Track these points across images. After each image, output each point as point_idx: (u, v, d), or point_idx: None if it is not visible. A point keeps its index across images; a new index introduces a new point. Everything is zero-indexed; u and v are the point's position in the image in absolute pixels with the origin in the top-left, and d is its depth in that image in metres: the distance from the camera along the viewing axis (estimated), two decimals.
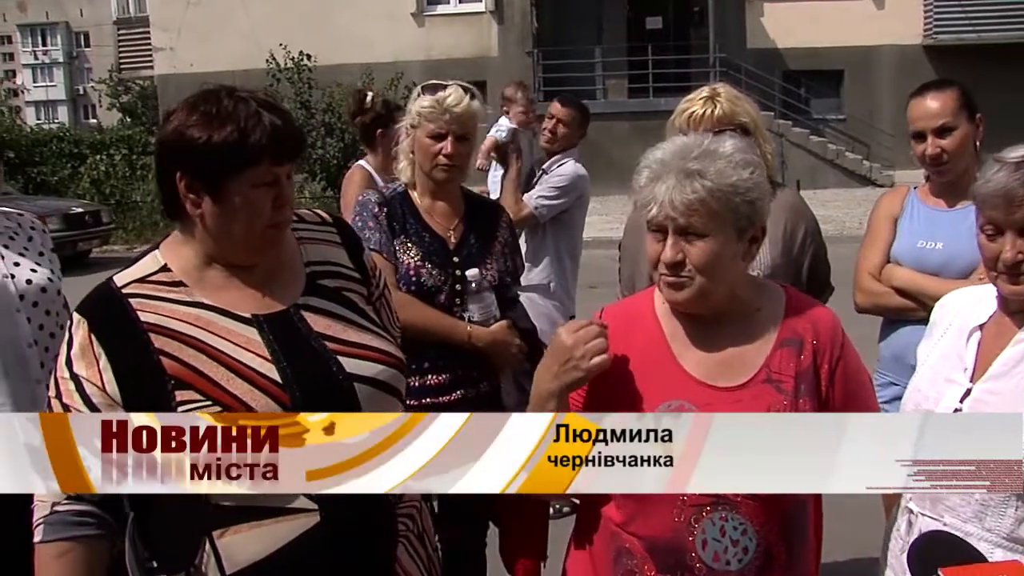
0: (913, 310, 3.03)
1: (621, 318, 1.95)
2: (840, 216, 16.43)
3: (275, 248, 1.86)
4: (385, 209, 3.01)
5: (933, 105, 3.01)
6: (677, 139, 1.90)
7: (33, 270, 2.82)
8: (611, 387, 1.86)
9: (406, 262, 2.97)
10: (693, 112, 2.92)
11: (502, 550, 3.13)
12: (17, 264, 2.80)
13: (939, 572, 1.31)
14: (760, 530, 1.78)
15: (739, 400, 1.81)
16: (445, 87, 3.03)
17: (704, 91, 2.99)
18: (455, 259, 3.03)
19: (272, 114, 1.77)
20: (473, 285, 3.00)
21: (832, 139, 22.74)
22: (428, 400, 2.98)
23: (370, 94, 4.73)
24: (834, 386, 1.86)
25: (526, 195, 4.77)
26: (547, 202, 4.76)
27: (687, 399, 1.82)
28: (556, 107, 4.99)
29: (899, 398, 3.06)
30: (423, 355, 2.94)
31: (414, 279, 2.95)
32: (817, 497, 1.95)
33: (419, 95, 3.05)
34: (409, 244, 3.00)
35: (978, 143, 3.06)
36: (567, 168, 4.87)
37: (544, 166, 4.91)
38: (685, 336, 1.89)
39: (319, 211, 2.10)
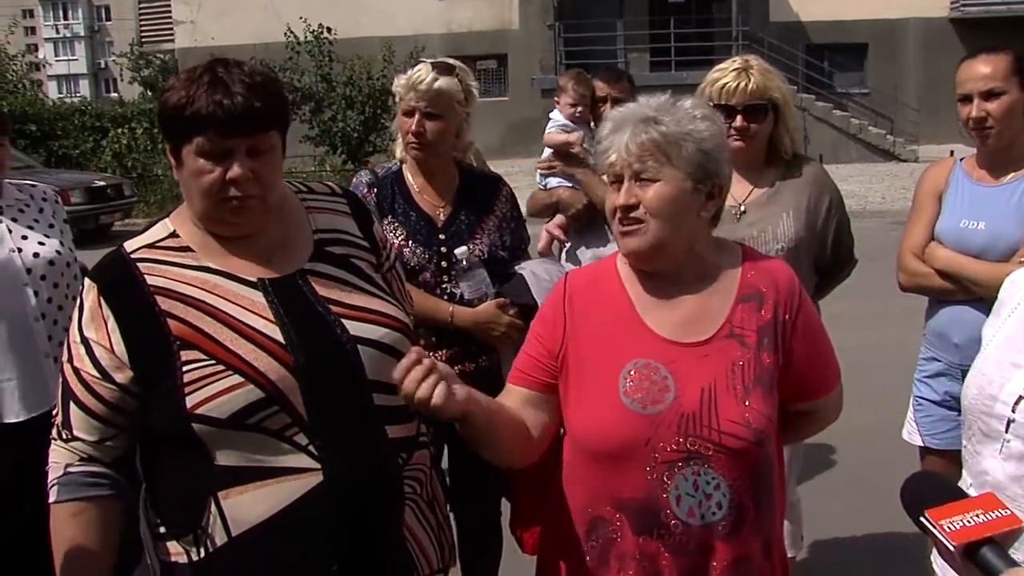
0: (953, 292, 2.96)
1: (586, 283, 2.00)
2: (863, 191, 16.30)
3: (239, 223, 1.82)
4: (375, 190, 3.02)
5: (983, 67, 2.90)
6: (640, 98, 1.94)
7: (41, 243, 2.83)
8: (580, 350, 1.90)
9: (391, 242, 2.93)
10: (726, 84, 2.90)
11: (512, 522, 3.13)
12: (25, 238, 2.81)
13: (925, 514, 1.30)
14: (732, 484, 1.80)
15: (705, 355, 1.85)
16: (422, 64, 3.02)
17: (736, 62, 2.96)
18: (441, 236, 3.01)
19: (228, 86, 1.74)
20: (464, 262, 2.98)
21: (855, 113, 22.53)
22: None
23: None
24: (796, 336, 1.90)
25: None
26: None
27: (653, 357, 1.85)
28: (601, 85, 4.50)
29: (942, 374, 3.06)
30: (419, 333, 2.91)
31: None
32: (780, 461, 1.96)
33: None
34: (396, 224, 2.99)
35: None
36: None
37: None
38: (648, 296, 1.92)
39: (330, 183, 2.12)
